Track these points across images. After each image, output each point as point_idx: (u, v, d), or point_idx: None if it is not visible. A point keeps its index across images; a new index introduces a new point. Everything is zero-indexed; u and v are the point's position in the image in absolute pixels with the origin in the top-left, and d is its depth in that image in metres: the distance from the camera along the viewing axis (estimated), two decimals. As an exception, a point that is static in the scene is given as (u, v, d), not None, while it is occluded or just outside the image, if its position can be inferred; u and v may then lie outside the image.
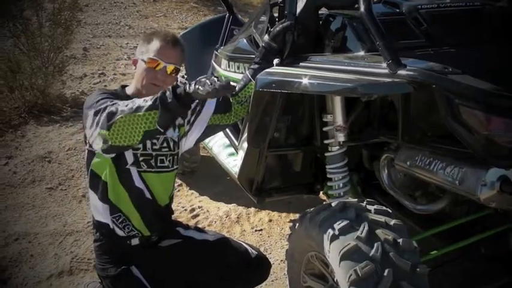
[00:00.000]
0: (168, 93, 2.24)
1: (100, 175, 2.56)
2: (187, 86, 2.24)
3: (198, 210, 4.40)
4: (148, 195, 2.62)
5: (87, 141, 2.51)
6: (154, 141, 2.59)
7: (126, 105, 2.28)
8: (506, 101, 2.05)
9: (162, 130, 2.31)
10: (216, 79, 2.22)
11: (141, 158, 2.56)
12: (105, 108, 2.32)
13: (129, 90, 2.63)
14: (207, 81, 2.20)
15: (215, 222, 4.20)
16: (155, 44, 2.56)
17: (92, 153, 2.54)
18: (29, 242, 4.00)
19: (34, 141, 5.73)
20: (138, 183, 2.58)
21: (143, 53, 2.57)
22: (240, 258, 2.77)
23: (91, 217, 4.12)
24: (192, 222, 4.10)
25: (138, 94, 2.56)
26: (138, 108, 2.25)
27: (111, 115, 2.28)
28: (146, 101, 2.26)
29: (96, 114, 2.34)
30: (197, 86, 2.20)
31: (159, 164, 2.62)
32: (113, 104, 2.33)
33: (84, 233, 4.08)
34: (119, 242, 2.59)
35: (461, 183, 2.20)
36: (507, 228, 2.70)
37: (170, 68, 2.55)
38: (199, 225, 3.98)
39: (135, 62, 2.62)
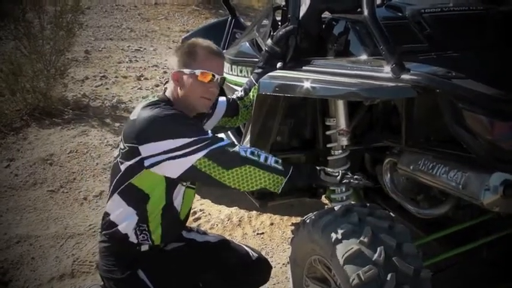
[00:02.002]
0: (305, 173, 2.37)
1: (142, 189, 2.48)
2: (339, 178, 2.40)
3: (199, 213, 4.41)
4: (178, 209, 2.58)
5: (150, 158, 2.40)
6: None
7: (252, 153, 2.31)
8: (509, 105, 2.06)
9: (279, 192, 2.38)
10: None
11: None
12: (218, 144, 2.32)
13: (177, 106, 2.49)
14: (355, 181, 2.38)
15: (217, 225, 4.20)
16: (202, 56, 2.47)
17: (133, 169, 2.44)
18: (30, 244, 3.99)
19: (36, 143, 5.74)
20: (177, 199, 2.55)
21: (189, 66, 2.45)
22: (240, 260, 2.76)
23: (93, 220, 4.17)
24: (193, 225, 4.10)
25: (184, 108, 2.49)
26: (268, 167, 2.31)
27: (236, 157, 2.30)
28: (278, 162, 2.33)
29: (192, 145, 2.30)
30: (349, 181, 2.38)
31: None
32: (231, 144, 2.34)
33: (86, 235, 4.08)
34: (129, 247, 2.57)
35: (465, 187, 2.19)
36: (510, 232, 2.69)
37: (222, 80, 2.53)
38: (201, 228, 3.98)
39: (175, 75, 2.49)
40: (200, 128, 2.41)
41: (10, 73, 6.13)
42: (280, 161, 2.34)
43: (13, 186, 4.88)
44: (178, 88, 2.49)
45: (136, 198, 2.51)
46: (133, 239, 2.54)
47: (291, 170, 2.33)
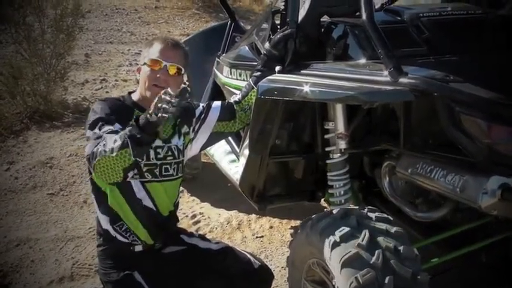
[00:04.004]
0: (133, 128, 2.22)
1: (100, 186, 2.56)
2: (148, 115, 2.20)
3: (199, 216, 4.41)
4: (151, 205, 2.60)
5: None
6: (159, 150, 2.58)
7: (103, 145, 2.26)
8: (507, 109, 2.06)
9: (140, 160, 2.32)
10: (168, 97, 2.15)
11: (145, 169, 2.55)
12: (90, 143, 2.36)
13: (134, 97, 2.62)
14: (164, 105, 2.14)
15: (216, 228, 4.20)
16: (156, 47, 2.56)
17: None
18: (30, 247, 4.00)
19: (36, 146, 5.74)
20: (140, 194, 2.57)
21: (145, 58, 2.56)
22: (242, 268, 2.75)
23: (92, 223, 4.17)
24: (193, 229, 4.10)
25: (143, 99, 2.57)
26: (111, 150, 2.22)
27: (91, 157, 2.30)
28: (116, 141, 2.22)
29: (88, 140, 2.41)
30: (160, 115, 2.15)
31: (163, 173, 2.61)
32: (96, 139, 2.33)
33: (85, 238, 4.08)
34: (122, 248, 2.59)
35: (463, 191, 2.20)
36: (508, 236, 2.70)
37: (171, 68, 2.54)
38: (200, 232, 3.98)
39: (139, 70, 2.61)
40: (104, 120, 2.42)
41: (10, 76, 6.14)
42: (118, 133, 2.27)
43: (13, 189, 4.89)
44: (140, 79, 2.59)
45: (99, 196, 2.59)
46: (122, 238, 2.57)
47: (128, 138, 2.22)
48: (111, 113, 2.46)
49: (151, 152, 2.55)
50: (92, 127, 2.41)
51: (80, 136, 5.79)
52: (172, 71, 2.54)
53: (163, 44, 2.57)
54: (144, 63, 2.55)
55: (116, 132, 2.34)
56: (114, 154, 2.21)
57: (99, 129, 2.38)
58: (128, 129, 2.24)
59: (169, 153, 2.62)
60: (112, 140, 2.25)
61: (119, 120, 2.45)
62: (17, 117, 6.21)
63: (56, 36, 6.55)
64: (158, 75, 2.52)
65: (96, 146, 2.29)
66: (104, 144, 2.25)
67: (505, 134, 2.09)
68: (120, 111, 2.51)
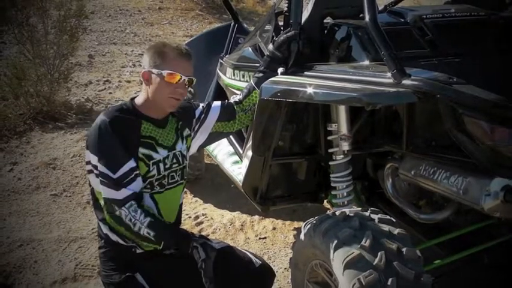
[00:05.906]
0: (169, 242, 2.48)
1: (100, 199, 2.53)
2: (196, 249, 2.46)
3: (202, 217, 4.41)
4: (156, 214, 2.58)
5: (88, 164, 2.50)
6: (166, 160, 2.57)
7: (130, 220, 2.38)
8: (510, 111, 2.06)
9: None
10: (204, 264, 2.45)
11: (156, 183, 2.55)
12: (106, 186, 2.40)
13: (140, 103, 2.56)
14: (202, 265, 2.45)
15: (219, 229, 4.20)
16: (170, 57, 2.49)
17: (89, 173, 2.55)
18: (33, 248, 4.01)
19: (39, 147, 5.75)
20: (147, 205, 2.55)
21: (157, 66, 2.47)
22: (243, 267, 2.74)
23: (95, 224, 4.17)
24: (196, 230, 4.11)
25: (151, 106, 2.53)
26: (141, 237, 2.42)
27: (109, 206, 2.41)
28: (149, 234, 2.39)
29: (101, 176, 2.41)
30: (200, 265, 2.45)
31: (170, 181, 2.61)
32: (115, 186, 2.39)
33: (88, 239, 4.09)
34: (124, 250, 2.59)
35: (465, 192, 2.20)
36: (511, 237, 2.70)
37: (189, 81, 2.54)
38: (203, 233, 3.99)
39: (145, 75, 2.51)
40: (117, 155, 2.43)
41: (14, 77, 6.14)
42: (152, 229, 2.40)
43: (16, 190, 4.89)
44: (148, 87, 2.52)
45: (98, 206, 2.58)
46: (123, 242, 2.56)
47: (162, 242, 2.45)
48: (120, 142, 2.43)
49: (161, 166, 2.55)
50: (104, 163, 2.40)
51: (83, 137, 5.80)
52: (189, 83, 2.55)
53: (178, 55, 2.51)
54: (159, 74, 2.46)
55: (131, 170, 2.41)
56: (140, 239, 2.44)
57: (114, 170, 2.39)
58: (167, 239, 2.47)
59: (175, 160, 2.62)
60: (144, 229, 2.39)
61: (127, 141, 2.45)
62: (20, 118, 6.22)
63: (59, 37, 6.56)
64: (177, 90, 2.49)
65: (115, 192, 2.38)
66: (134, 225, 2.39)
67: (507, 136, 2.08)
68: (126, 129, 2.48)
